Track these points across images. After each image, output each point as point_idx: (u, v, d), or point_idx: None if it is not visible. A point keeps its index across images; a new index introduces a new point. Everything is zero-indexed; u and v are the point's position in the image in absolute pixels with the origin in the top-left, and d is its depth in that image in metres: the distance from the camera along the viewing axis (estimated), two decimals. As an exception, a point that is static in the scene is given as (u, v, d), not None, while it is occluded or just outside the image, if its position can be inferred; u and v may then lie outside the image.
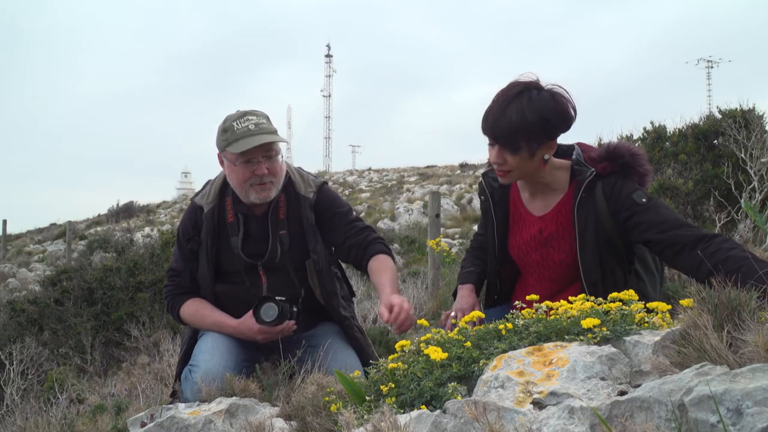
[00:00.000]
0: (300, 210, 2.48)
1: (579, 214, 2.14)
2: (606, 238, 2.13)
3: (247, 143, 2.30)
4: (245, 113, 2.39)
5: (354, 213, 2.61)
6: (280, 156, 2.43)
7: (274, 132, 2.39)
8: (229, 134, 2.35)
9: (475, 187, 19.43)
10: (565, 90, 2.11)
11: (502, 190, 2.33)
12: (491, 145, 2.14)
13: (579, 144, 2.26)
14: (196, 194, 2.59)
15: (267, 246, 2.47)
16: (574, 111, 2.11)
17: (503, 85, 2.14)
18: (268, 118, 2.42)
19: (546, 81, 2.12)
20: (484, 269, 2.46)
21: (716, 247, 1.88)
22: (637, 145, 5.97)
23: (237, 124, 2.35)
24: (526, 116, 2.02)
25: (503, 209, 2.33)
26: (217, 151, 2.45)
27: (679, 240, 1.96)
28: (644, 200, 2.07)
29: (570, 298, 1.68)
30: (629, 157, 2.14)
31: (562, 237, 2.19)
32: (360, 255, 2.46)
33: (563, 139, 2.20)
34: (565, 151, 2.22)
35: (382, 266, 2.38)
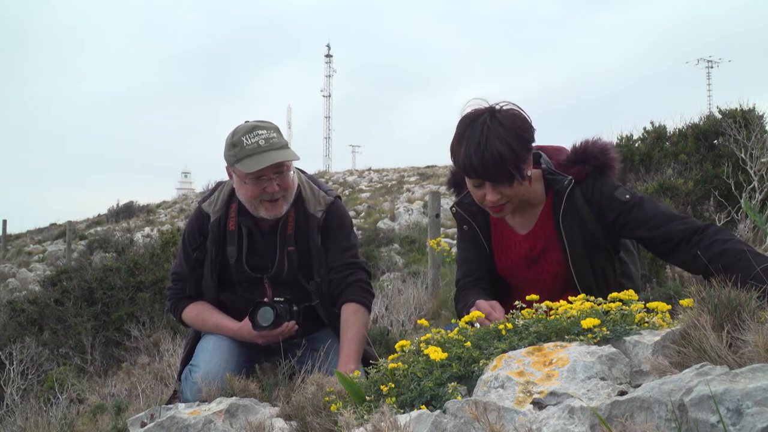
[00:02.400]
0: (308, 228, 2.43)
1: (564, 225, 2.09)
2: (593, 242, 2.10)
3: (258, 162, 2.24)
4: (255, 127, 2.31)
5: (352, 239, 2.52)
6: (291, 171, 2.37)
7: (285, 146, 2.32)
8: (238, 150, 2.27)
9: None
10: (510, 102, 2.05)
11: (483, 214, 2.23)
12: (478, 186, 2.04)
13: (539, 148, 2.19)
14: (204, 198, 2.52)
15: (273, 260, 2.43)
16: (531, 121, 2.05)
17: (459, 118, 2.04)
18: (278, 131, 2.35)
19: (496, 103, 2.04)
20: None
21: (710, 240, 1.86)
22: (636, 145, 5.98)
23: (246, 139, 2.27)
24: (510, 143, 1.94)
25: (487, 233, 2.25)
26: (225, 164, 2.38)
27: (674, 236, 1.94)
28: (627, 197, 2.04)
29: (570, 298, 1.68)
30: (600, 155, 2.09)
31: (553, 249, 2.15)
32: (337, 293, 2.41)
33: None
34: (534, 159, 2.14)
35: (349, 321, 2.33)
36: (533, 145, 2.05)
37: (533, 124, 2.04)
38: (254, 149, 2.26)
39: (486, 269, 2.29)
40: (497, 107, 2.02)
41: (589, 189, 2.08)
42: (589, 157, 2.09)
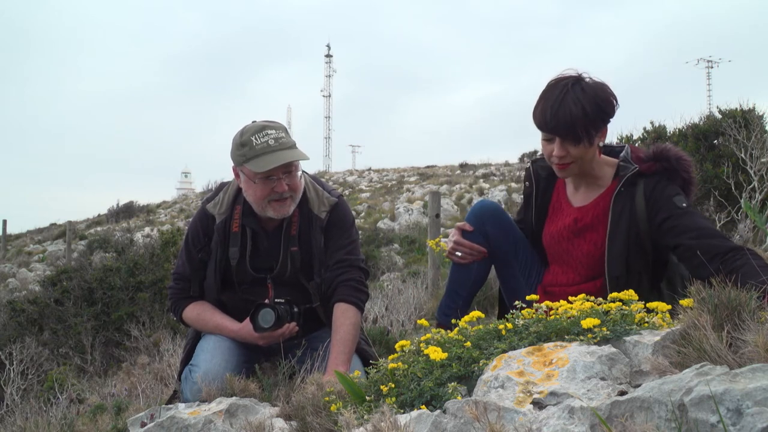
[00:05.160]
0: (311, 229, 2.43)
1: (615, 207, 2.17)
2: (637, 235, 2.14)
3: (269, 162, 2.23)
4: (264, 126, 2.31)
5: (351, 234, 2.50)
6: (299, 172, 2.37)
7: (294, 146, 2.32)
8: (247, 149, 2.26)
9: (476, 186, 19.38)
10: (599, 78, 2.18)
11: (549, 179, 2.37)
12: (548, 140, 2.17)
13: (629, 145, 2.29)
14: (208, 199, 2.51)
15: (276, 261, 2.43)
16: (616, 98, 2.17)
17: (547, 81, 2.20)
18: (286, 131, 2.35)
19: (584, 73, 2.18)
20: None
21: (744, 261, 1.89)
22: (637, 145, 5.97)
23: (256, 139, 2.26)
24: (584, 106, 2.07)
25: (546, 198, 2.38)
26: (232, 164, 2.37)
27: (712, 249, 1.96)
28: (684, 205, 2.09)
29: (570, 298, 1.68)
30: (675, 160, 2.15)
31: (596, 230, 2.22)
32: (330, 292, 2.41)
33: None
34: (616, 151, 2.28)
35: (338, 322, 2.33)
36: (610, 119, 2.17)
37: (616, 102, 2.16)
38: (264, 148, 2.25)
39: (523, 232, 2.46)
40: (584, 76, 2.16)
41: (651, 185, 2.14)
42: (663, 158, 2.16)
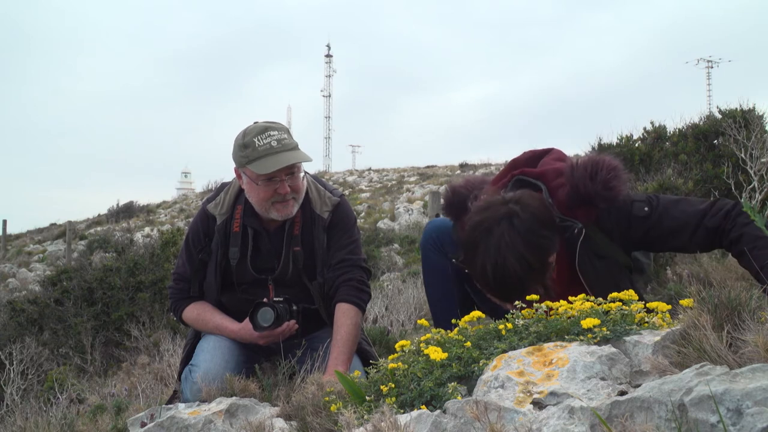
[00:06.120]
0: (313, 229, 2.43)
1: (584, 273, 1.98)
2: (617, 265, 2.01)
3: (272, 164, 2.23)
4: (266, 128, 2.30)
5: (354, 234, 2.49)
6: (302, 173, 2.37)
7: (296, 147, 2.32)
8: (250, 151, 2.26)
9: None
10: (534, 195, 1.94)
11: None
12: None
13: (539, 174, 2.05)
14: (209, 200, 2.51)
15: (278, 261, 2.43)
16: (555, 206, 1.95)
17: (474, 217, 1.93)
18: (288, 132, 2.35)
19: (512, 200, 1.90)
20: None
21: (731, 226, 1.85)
22: (636, 145, 5.95)
23: (258, 140, 2.26)
24: (530, 260, 1.83)
25: None
26: (234, 165, 2.37)
27: (707, 238, 1.90)
28: (646, 209, 1.95)
29: (570, 297, 1.68)
30: (605, 191, 1.93)
31: (573, 289, 2.00)
32: (332, 293, 2.39)
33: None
34: (532, 188, 2.03)
35: (338, 322, 2.32)
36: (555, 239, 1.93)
37: (554, 214, 1.93)
38: (267, 150, 2.25)
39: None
40: (514, 208, 1.88)
41: (604, 221, 1.98)
42: (595, 198, 1.95)
